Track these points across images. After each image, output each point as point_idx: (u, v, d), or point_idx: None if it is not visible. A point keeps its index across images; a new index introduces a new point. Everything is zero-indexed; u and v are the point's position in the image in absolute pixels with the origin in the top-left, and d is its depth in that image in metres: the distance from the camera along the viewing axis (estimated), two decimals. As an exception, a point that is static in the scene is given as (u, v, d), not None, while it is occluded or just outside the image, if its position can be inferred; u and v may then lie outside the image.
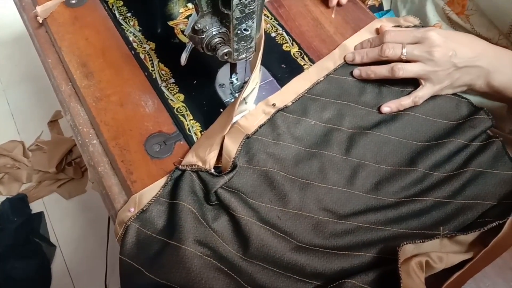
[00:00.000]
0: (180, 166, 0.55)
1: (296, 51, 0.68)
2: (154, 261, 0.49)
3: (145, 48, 0.67)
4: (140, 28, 0.70)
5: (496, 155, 0.56)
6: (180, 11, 0.71)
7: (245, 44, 0.52)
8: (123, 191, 0.57)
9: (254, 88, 0.60)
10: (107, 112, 0.61)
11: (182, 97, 0.63)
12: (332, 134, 0.59)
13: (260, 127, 0.59)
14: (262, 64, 0.60)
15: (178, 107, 0.62)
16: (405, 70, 0.59)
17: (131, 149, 0.58)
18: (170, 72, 0.65)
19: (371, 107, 0.62)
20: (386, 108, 0.61)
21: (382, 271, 0.47)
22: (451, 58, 0.57)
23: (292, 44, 0.69)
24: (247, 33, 0.50)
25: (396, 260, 0.46)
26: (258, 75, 0.59)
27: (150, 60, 0.66)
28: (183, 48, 0.56)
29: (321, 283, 0.49)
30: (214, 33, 0.50)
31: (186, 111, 0.61)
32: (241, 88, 0.62)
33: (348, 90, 0.63)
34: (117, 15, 0.71)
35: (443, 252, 0.48)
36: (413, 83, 0.61)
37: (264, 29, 0.65)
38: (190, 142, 0.59)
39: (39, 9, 0.69)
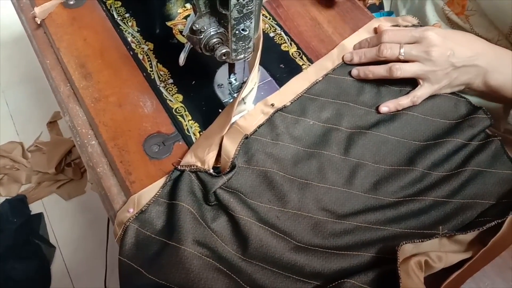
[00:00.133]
0: (179, 167, 0.55)
1: (295, 51, 0.68)
2: (153, 261, 0.49)
3: (143, 48, 0.67)
4: (139, 29, 0.70)
5: (495, 154, 0.56)
6: (179, 11, 0.71)
7: (243, 44, 0.52)
8: (122, 191, 0.57)
9: (253, 88, 0.60)
10: (106, 113, 0.61)
11: (180, 97, 0.63)
12: (331, 134, 0.59)
13: (259, 127, 0.59)
14: (260, 64, 0.60)
15: (177, 107, 0.62)
16: (403, 70, 0.59)
17: (130, 150, 0.58)
18: (169, 73, 0.65)
19: (370, 106, 0.62)
20: (384, 108, 0.61)
21: (381, 270, 0.47)
22: (449, 58, 0.57)
23: (291, 44, 0.69)
24: (245, 33, 0.50)
25: (395, 260, 0.46)
26: (256, 75, 0.59)
27: (148, 61, 0.66)
28: (182, 48, 0.56)
29: (320, 283, 0.49)
30: (212, 33, 0.50)
31: (185, 111, 0.61)
32: (239, 88, 0.62)
33: (347, 90, 0.63)
34: (115, 16, 0.71)
35: (442, 252, 0.48)
36: (412, 82, 0.61)
37: (263, 29, 0.65)
38: (189, 143, 0.59)
39: (37, 10, 0.69)
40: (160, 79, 0.64)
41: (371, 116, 0.61)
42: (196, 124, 0.60)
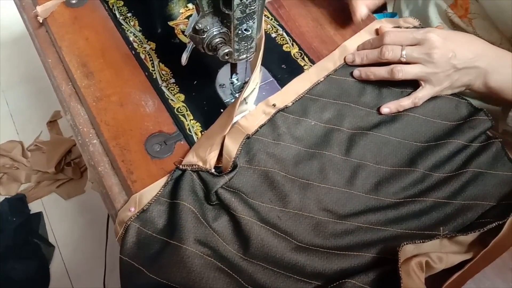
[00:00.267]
0: (181, 166, 0.55)
1: (296, 52, 0.68)
2: (154, 260, 0.49)
3: (145, 48, 0.67)
4: (141, 28, 0.70)
5: (496, 156, 0.56)
6: (181, 11, 0.72)
7: (246, 44, 0.52)
8: (123, 191, 0.57)
9: (255, 88, 0.60)
10: (108, 112, 0.61)
11: (182, 97, 0.63)
12: (332, 135, 0.59)
13: (261, 127, 0.59)
14: (262, 64, 0.60)
15: (179, 107, 0.62)
16: (404, 72, 0.60)
17: (131, 149, 0.58)
18: (171, 72, 0.65)
19: (371, 107, 0.62)
20: (385, 109, 0.61)
21: (382, 271, 0.47)
22: (451, 60, 0.58)
23: (292, 44, 0.69)
24: (248, 33, 0.50)
25: (396, 260, 0.46)
26: (258, 76, 0.59)
27: (150, 60, 0.66)
28: (184, 48, 0.56)
29: (321, 283, 0.49)
30: (215, 33, 0.50)
31: (187, 111, 0.61)
32: (241, 88, 0.62)
33: (348, 91, 0.63)
34: (118, 15, 0.71)
35: (443, 253, 0.49)
36: (413, 84, 0.62)
37: (265, 29, 0.65)
38: (190, 142, 0.59)
39: (39, 9, 0.69)
40: (162, 79, 0.64)
41: (372, 117, 0.61)
42: (197, 123, 0.60)
